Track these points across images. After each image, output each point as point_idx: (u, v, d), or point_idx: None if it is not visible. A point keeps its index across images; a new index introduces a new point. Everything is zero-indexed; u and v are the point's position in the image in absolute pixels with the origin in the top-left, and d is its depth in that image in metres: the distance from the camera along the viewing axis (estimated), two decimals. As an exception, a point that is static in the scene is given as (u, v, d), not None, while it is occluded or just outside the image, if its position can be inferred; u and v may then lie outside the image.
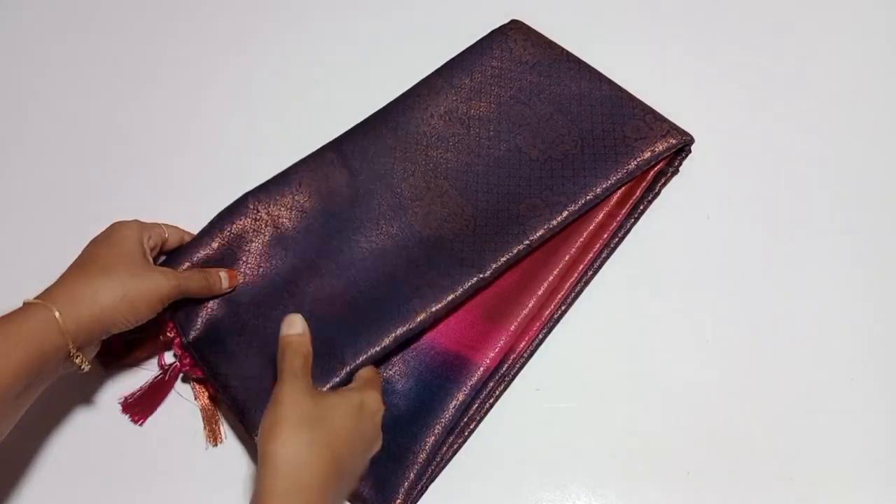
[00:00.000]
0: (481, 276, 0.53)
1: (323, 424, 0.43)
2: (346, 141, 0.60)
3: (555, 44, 0.64)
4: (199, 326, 0.54)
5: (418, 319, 0.52)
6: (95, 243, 0.51)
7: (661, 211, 0.61)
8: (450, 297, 0.52)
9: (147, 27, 0.71)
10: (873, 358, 0.57)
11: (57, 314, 0.44)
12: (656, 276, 0.59)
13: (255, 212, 0.57)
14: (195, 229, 0.57)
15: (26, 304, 0.45)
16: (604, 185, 0.57)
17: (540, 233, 0.55)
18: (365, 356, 0.51)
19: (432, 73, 0.63)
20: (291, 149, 0.59)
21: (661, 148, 0.58)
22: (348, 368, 0.50)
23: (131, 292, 0.48)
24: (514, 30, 0.64)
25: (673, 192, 0.62)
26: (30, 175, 0.64)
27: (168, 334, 0.55)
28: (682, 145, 0.59)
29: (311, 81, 0.68)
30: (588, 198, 0.56)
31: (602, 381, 0.56)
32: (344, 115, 0.61)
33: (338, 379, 0.50)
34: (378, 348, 0.51)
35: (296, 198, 0.58)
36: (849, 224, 0.61)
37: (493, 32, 0.65)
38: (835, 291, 0.59)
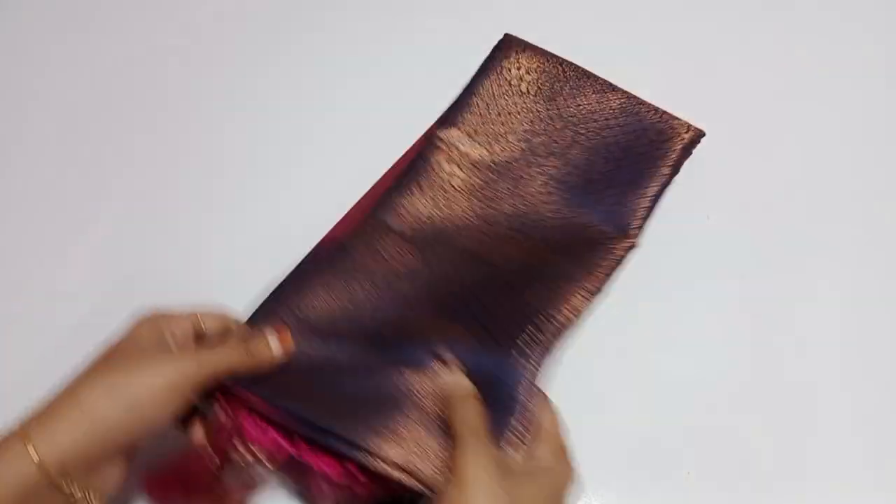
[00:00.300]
0: (591, 295, 0.54)
1: None
2: (387, 209, 0.56)
3: (549, 57, 0.64)
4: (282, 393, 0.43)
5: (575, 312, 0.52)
6: (105, 345, 0.42)
7: (661, 211, 0.61)
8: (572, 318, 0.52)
9: (147, 27, 0.71)
10: (873, 358, 0.57)
11: (31, 447, 0.36)
12: (656, 276, 0.59)
13: (319, 295, 0.51)
14: (197, 238, 0.56)
15: (3, 434, 0.37)
16: (655, 190, 0.58)
17: (622, 256, 0.56)
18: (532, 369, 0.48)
19: (438, 123, 0.61)
20: (292, 148, 0.59)
21: (686, 142, 0.60)
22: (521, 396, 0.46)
23: (127, 390, 0.38)
24: (506, 58, 0.63)
25: (673, 192, 0.62)
26: (30, 175, 0.64)
27: (234, 442, 0.41)
28: (698, 139, 0.61)
29: (321, 91, 0.68)
30: (646, 206, 0.58)
31: (602, 381, 0.56)
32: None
33: (517, 426, 0.44)
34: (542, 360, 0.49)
35: (360, 260, 0.53)
36: (849, 224, 0.61)
37: (485, 64, 0.63)
38: (835, 291, 0.59)
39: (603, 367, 0.56)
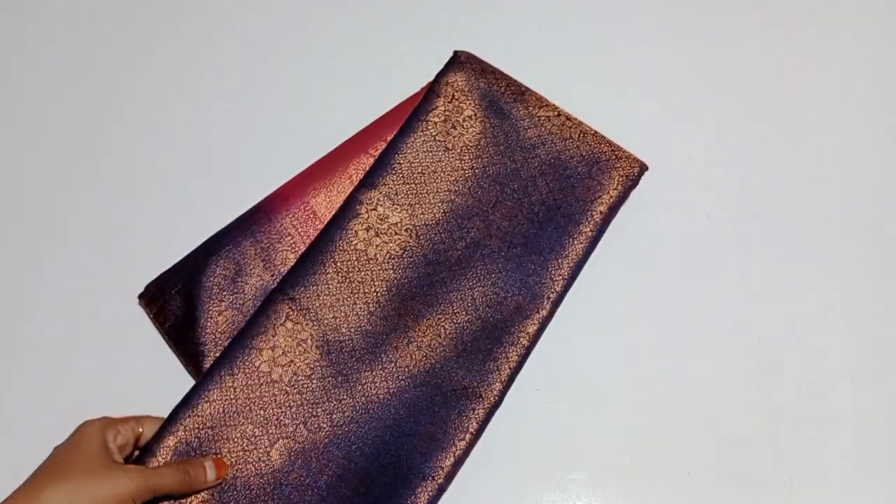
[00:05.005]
0: (491, 406, 0.53)
1: None
2: (293, 284, 0.55)
3: (485, 109, 0.60)
4: None
5: (444, 474, 0.51)
6: (55, 449, 0.46)
7: (661, 211, 0.61)
8: (467, 440, 0.52)
9: (147, 27, 0.71)
10: (873, 358, 0.57)
11: None
12: (656, 276, 0.59)
13: (225, 384, 0.52)
14: (190, 237, 0.56)
15: None
16: (578, 255, 0.56)
17: (534, 331, 0.54)
18: None
19: (360, 185, 0.58)
20: (292, 150, 0.59)
21: (618, 195, 0.58)
22: None
23: (83, 499, 0.42)
24: (433, 109, 0.60)
25: (673, 192, 0.62)
26: (28, 176, 0.64)
27: None
28: (639, 175, 0.59)
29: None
30: (568, 276, 0.56)
31: (602, 381, 0.56)
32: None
33: None
34: None
35: (260, 367, 0.52)
36: (849, 224, 0.62)
37: (410, 118, 0.60)
38: (835, 291, 0.59)
39: (603, 367, 0.56)
